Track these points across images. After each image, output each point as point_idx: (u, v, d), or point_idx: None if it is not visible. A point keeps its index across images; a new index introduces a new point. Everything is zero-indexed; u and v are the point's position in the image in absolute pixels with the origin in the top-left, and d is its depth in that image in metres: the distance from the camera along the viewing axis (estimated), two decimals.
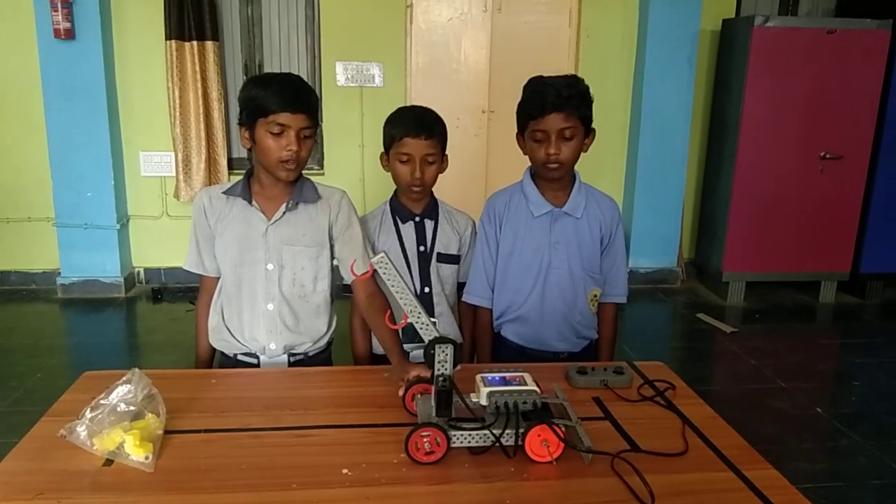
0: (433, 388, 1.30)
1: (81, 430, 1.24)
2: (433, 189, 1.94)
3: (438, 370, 1.30)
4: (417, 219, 1.93)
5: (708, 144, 4.96)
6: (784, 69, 4.33)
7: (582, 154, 1.82)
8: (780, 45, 4.30)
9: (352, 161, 4.70)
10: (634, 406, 1.49)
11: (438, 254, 1.94)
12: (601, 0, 4.65)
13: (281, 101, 1.63)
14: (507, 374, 1.34)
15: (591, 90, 1.79)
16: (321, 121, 4.46)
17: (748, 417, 3.00)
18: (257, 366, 1.80)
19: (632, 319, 4.31)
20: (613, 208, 1.93)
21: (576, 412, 1.35)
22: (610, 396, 1.53)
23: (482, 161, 4.72)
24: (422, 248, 1.93)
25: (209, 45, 4.34)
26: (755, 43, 4.28)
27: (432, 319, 1.33)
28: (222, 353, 1.85)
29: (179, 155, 4.46)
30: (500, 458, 1.25)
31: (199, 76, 4.35)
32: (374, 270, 1.30)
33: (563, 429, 1.26)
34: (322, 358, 1.87)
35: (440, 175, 1.91)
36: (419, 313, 1.31)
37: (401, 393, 1.44)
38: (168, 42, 4.28)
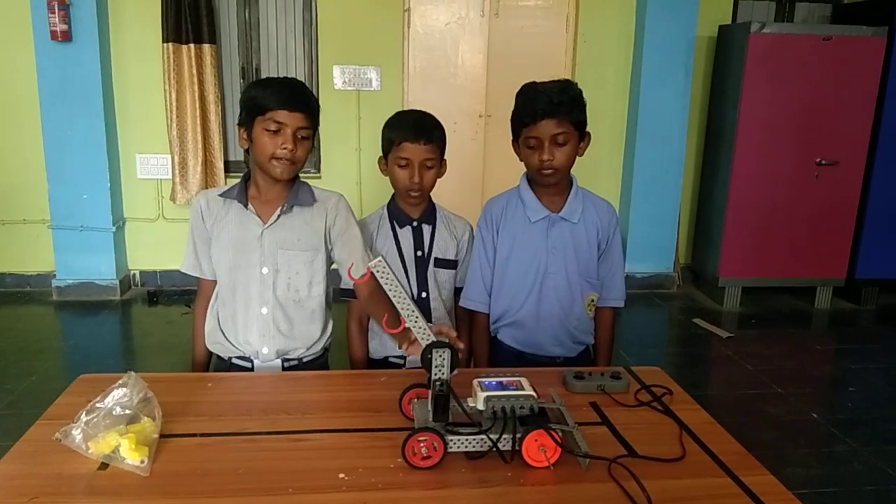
0: (430, 392, 1.30)
1: (77, 434, 1.24)
2: (431, 193, 1.94)
3: (435, 374, 1.30)
4: (415, 223, 1.93)
5: (704, 150, 4.98)
6: (780, 76, 4.35)
7: (578, 158, 1.82)
8: (776, 52, 4.32)
9: (349, 165, 4.70)
10: (631, 411, 1.50)
11: (436, 259, 1.93)
12: (598, 6, 4.67)
13: (279, 99, 1.64)
14: (505, 379, 1.34)
15: (588, 96, 1.79)
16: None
17: (744, 423, 3.01)
18: (251, 370, 1.79)
19: (628, 324, 4.31)
20: (611, 213, 1.93)
21: (573, 417, 1.35)
22: (607, 401, 1.53)
23: (479, 165, 4.72)
24: (419, 253, 1.93)
25: (206, 47, 4.34)
26: (751, 49, 4.30)
27: (429, 324, 1.33)
28: (218, 356, 1.84)
29: (176, 157, 4.45)
30: (497, 462, 1.25)
31: (195, 79, 4.35)
32: (372, 274, 1.30)
33: (561, 434, 1.26)
34: (317, 365, 1.86)
35: (438, 179, 1.91)
36: (416, 318, 1.31)
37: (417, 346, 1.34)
38: (165, 45, 4.28)
